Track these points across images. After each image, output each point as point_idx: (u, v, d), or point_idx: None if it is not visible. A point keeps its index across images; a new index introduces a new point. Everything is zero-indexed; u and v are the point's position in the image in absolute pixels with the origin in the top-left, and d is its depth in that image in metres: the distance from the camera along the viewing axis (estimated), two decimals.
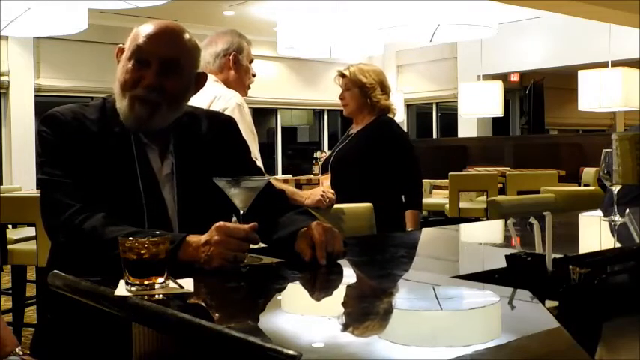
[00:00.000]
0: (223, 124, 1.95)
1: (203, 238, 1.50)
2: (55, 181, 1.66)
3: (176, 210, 1.76)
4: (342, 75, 3.40)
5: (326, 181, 3.34)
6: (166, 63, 1.72)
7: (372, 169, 3.28)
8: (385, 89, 3.38)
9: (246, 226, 1.53)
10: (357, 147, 3.35)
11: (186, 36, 1.77)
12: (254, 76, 3.05)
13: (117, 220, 1.60)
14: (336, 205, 2.87)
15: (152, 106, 1.71)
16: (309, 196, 2.86)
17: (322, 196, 2.84)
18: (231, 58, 2.90)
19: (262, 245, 1.77)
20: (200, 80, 1.84)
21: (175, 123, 1.80)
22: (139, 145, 1.75)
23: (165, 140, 1.79)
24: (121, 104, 1.73)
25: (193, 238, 1.52)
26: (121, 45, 1.80)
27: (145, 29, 1.74)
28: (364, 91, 3.33)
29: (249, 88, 3.04)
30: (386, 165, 3.30)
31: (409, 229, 3.27)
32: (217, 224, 1.52)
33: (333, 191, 2.91)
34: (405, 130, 12.17)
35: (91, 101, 1.84)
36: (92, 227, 1.58)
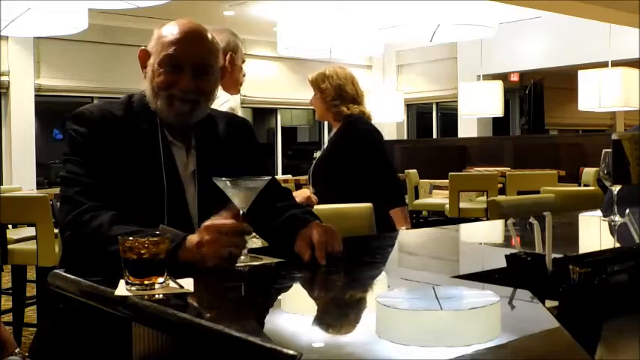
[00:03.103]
0: (240, 126, 2.00)
1: (195, 238, 1.50)
2: (74, 178, 1.68)
3: (196, 207, 1.78)
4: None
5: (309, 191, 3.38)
6: (198, 67, 1.78)
7: (346, 174, 3.27)
8: (343, 96, 3.33)
9: (232, 220, 1.53)
10: (328, 154, 3.37)
11: (209, 36, 1.83)
12: (244, 76, 3.15)
13: (137, 216, 1.59)
14: (336, 205, 2.88)
15: (192, 104, 1.78)
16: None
17: (309, 197, 3.11)
18: (227, 57, 2.94)
19: (261, 245, 1.77)
20: (223, 73, 1.91)
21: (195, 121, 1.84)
22: (165, 142, 1.79)
23: (188, 137, 1.83)
24: (158, 103, 1.77)
25: (193, 238, 1.52)
26: (143, 48, 1.83)
27: (171, 34, 1.78)
28: (323, 97, 3.35)
29: (241, 86, 3.14)
30: (358, 168, 3.27)
31: (402, 229, 3.24)
32: (205, 224, 1.53)
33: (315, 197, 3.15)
34: (405, 130, 12.20)
35: (115, 99, 1.88)
36: (98, 225, 1.58)
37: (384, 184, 3.30)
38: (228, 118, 1.99)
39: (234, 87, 3.05)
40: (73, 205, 1.64)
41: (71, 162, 1.72)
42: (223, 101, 2.86)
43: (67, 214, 1.65)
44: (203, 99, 1.80)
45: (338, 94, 3.33)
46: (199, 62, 1.78)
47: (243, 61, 3.09)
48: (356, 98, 3.39)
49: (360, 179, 3.26)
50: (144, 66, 1.82)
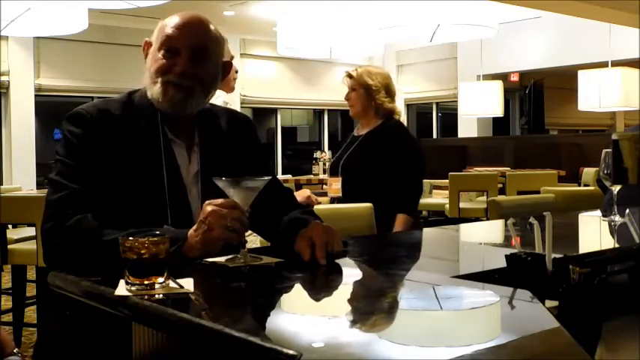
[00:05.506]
0: (242, 123, 1.97)
1: (194, 226, 1.55)
2: (62, 183, 1.64)
3: (200, 207, 1.76)
4: (350, 76, 3.40)
5: (335, 183, 3.32)
6: (196, 51, 1.74)
7: (385, 173, 3.23)
8: (390, 93, 3.38)
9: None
10: (369, 150, 3.31)
11: (211, 26, 1.82)
12: (237, 72, 3.25)
13: (139, 219, 1.58)
14: (336, 205, 2.88)
15: (186, 91, 1.73)
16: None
17: (309, 197, 3.14)
18: None
19: (261, 245, 1.77)
20: (226, 69, 1.87)
21: (198, 116, 1.82)
22: (166, 141, 1.75)
23: (190, 134, 1.81)
24: (153, 90, 1.74)
25: (192, 228, 1.55)
26: (147, 39, 1.81)
27: (172, 20, 1.77)
28: (369, 93, 3.33)
29: (233, 85, 3.25)
30: (398, 170, 3.24)
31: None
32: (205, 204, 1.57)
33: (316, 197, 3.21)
34: None
35: (114, 97, 1.84)
36: (88, 229, 1.56)
37: (410, 191, 3.28)
38: (230, 114, 1.95)
39: (227, 87, 3.15)
40: (56, 210, 1.61)
41: (62, 164, 1.67)
42: (216, 96, 2.90)
43: (48, 219, 1.61)
44: (199, 87, 1.75)
45: (386, 90, 3.37)
46: (197, 46, 1.75)
47: (232, 58, 3.16)
48: (395, 95, 3.46)
49: (393, 181, 3.23)
50: (146, 56, 1.80)
